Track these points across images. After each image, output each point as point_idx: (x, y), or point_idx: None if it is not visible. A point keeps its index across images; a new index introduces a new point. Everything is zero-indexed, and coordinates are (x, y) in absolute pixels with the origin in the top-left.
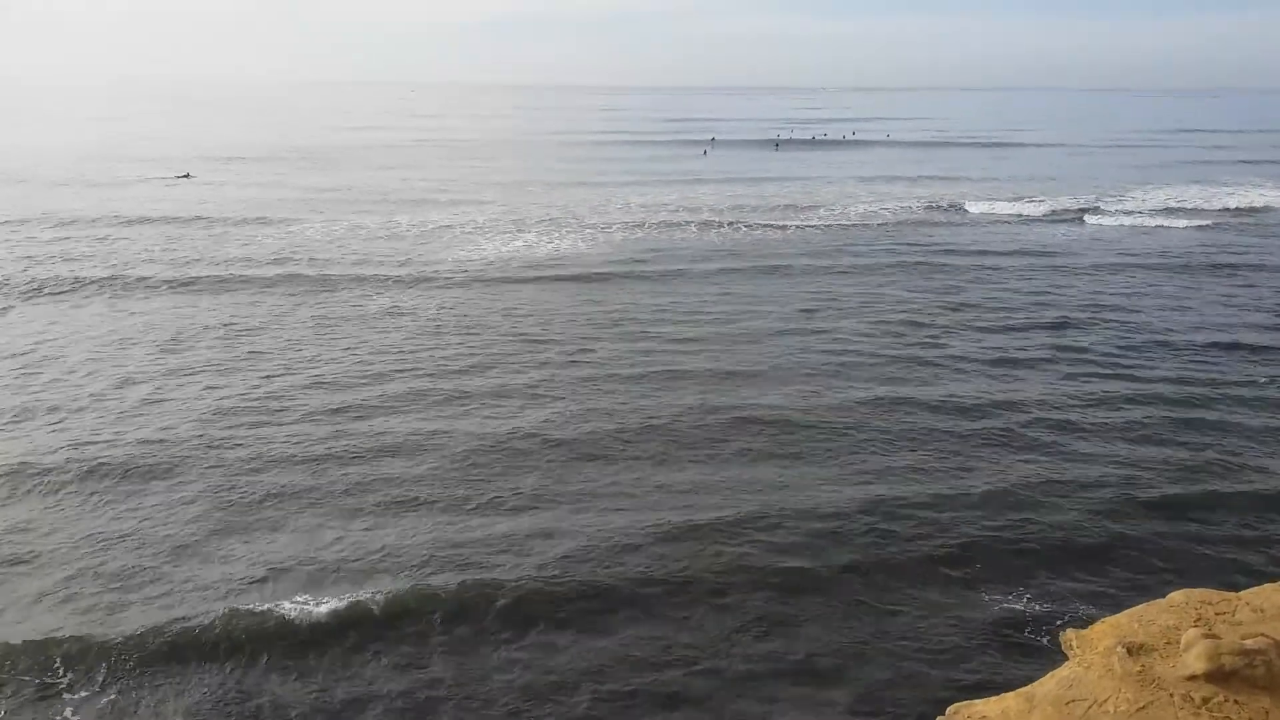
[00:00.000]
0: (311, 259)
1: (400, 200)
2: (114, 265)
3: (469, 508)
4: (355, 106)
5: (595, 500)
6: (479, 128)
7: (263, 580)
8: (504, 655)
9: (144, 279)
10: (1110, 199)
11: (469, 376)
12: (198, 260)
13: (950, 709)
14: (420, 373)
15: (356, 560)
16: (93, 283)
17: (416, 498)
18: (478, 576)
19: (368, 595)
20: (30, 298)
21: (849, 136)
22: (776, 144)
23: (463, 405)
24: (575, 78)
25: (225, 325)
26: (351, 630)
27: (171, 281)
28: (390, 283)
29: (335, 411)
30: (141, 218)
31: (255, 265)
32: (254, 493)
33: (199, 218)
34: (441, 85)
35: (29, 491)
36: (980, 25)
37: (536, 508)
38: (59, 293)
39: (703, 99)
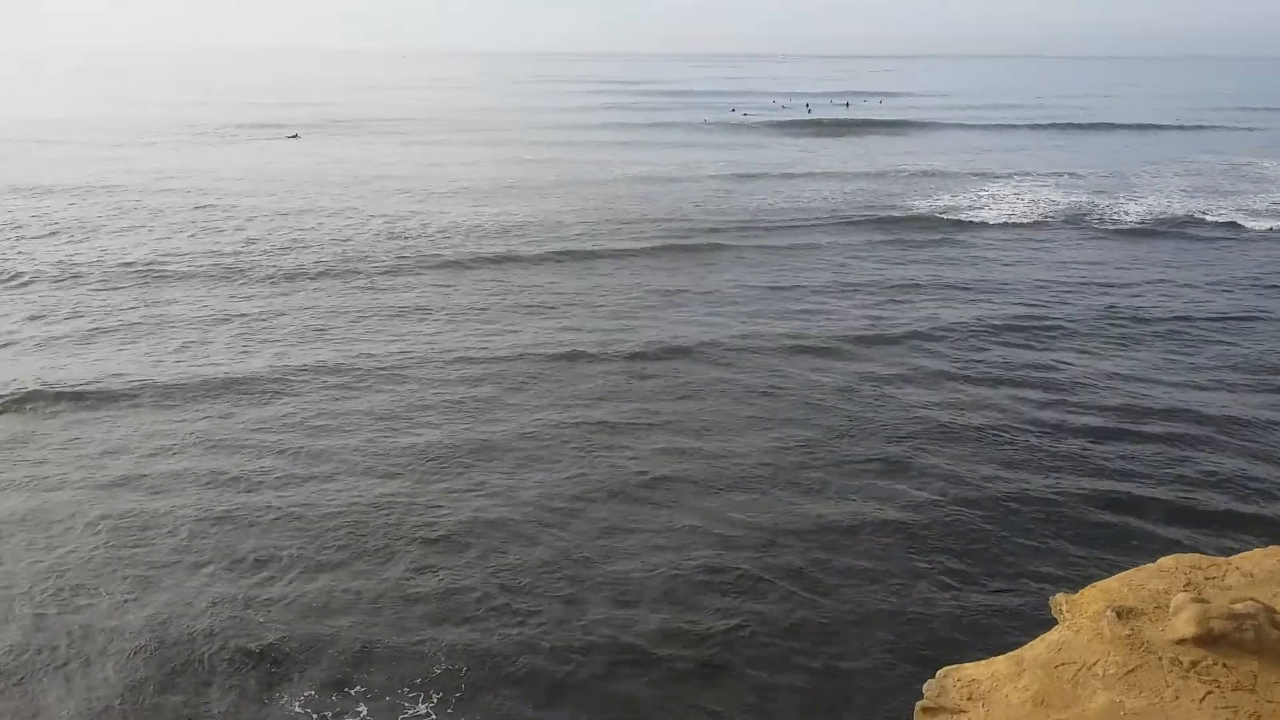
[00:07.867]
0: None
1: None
2: None
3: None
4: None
5: None
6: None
7: None
8: None
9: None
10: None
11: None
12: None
13: (940, 672)
14: None
15: None
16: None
17: None
18: None
19: None
20: None
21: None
22: (806, 111)
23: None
24: (557, 46)
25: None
26: None
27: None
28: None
29: None
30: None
31: None
32: None
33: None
34: (430, 53)
35: None
36: None
37: None
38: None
39: (680, 67)
